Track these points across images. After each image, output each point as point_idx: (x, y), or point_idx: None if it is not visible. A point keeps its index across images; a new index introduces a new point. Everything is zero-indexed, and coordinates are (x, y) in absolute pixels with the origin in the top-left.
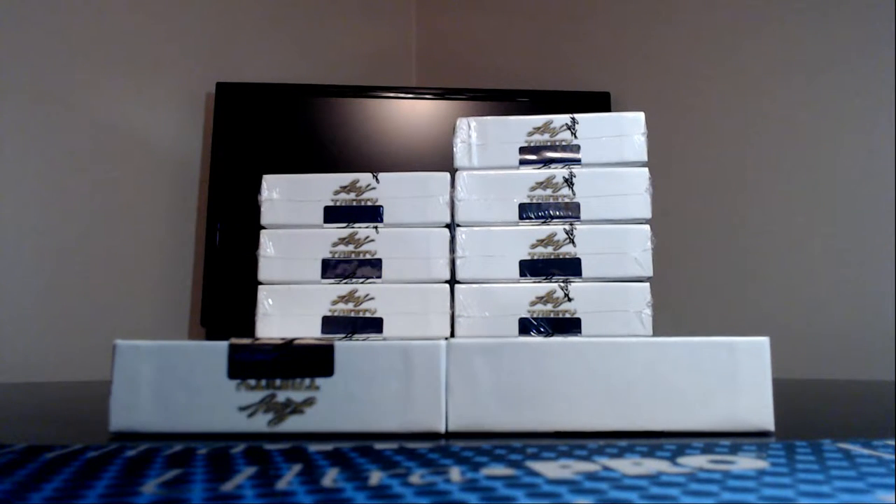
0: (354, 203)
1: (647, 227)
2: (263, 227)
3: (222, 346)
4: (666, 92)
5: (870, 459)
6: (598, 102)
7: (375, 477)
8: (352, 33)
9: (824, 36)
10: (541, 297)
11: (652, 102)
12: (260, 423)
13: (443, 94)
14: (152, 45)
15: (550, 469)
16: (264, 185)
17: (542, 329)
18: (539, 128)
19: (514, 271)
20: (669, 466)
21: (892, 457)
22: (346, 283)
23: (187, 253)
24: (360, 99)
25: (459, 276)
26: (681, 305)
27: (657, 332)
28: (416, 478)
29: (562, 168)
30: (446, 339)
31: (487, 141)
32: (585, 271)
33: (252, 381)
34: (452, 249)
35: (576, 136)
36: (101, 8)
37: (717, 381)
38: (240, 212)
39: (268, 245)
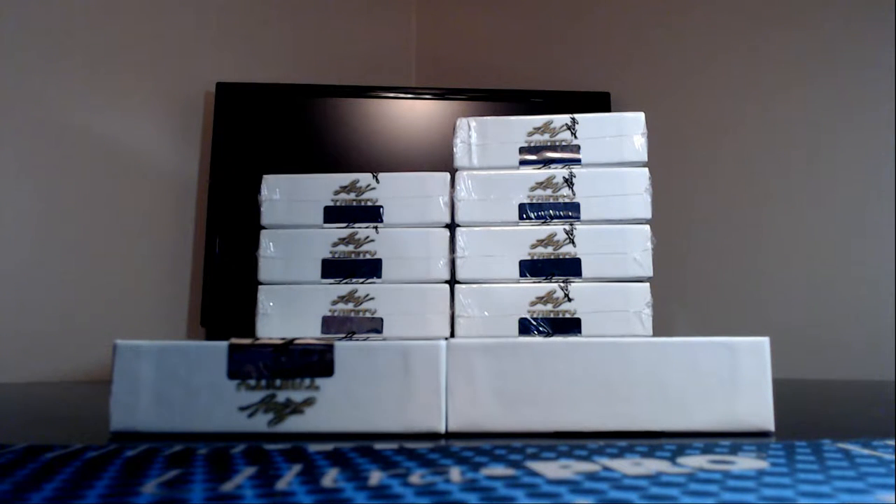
0: (354, 203)
1: (647, 227)
2: (263, 228)
3: (222, 346)
4: (666, 92)
5: (870, 459)
6: (598, 102)
7: (375, 477)
8: (351, 33)
9: (824, 36)
10: (541, 297)
11: (652, 102)
12: (260, 423)
13: (443, 94)
14: (151, 45)
15: (550, 469)
16: (264, 185)
17: (541, 329)
18: (539, 128)
19: (514, 271)
20: (669, 466)
21: (892, 457)
22: (346, 283)
23: (187, 253)
24: (360, 99)
25: (459, 276)
26: (681, 305)
27: (657, 332)
28: (416, 478)
29: (562, 168)
30: (446, 339)
31: (487, 141)
32: (585, 271)
33: (252, 381)
34: (452, 249)
35: (576, 136)
36: (101, 10)
37: (717, 381)
38: (240, 212)
39: (268, 245)
